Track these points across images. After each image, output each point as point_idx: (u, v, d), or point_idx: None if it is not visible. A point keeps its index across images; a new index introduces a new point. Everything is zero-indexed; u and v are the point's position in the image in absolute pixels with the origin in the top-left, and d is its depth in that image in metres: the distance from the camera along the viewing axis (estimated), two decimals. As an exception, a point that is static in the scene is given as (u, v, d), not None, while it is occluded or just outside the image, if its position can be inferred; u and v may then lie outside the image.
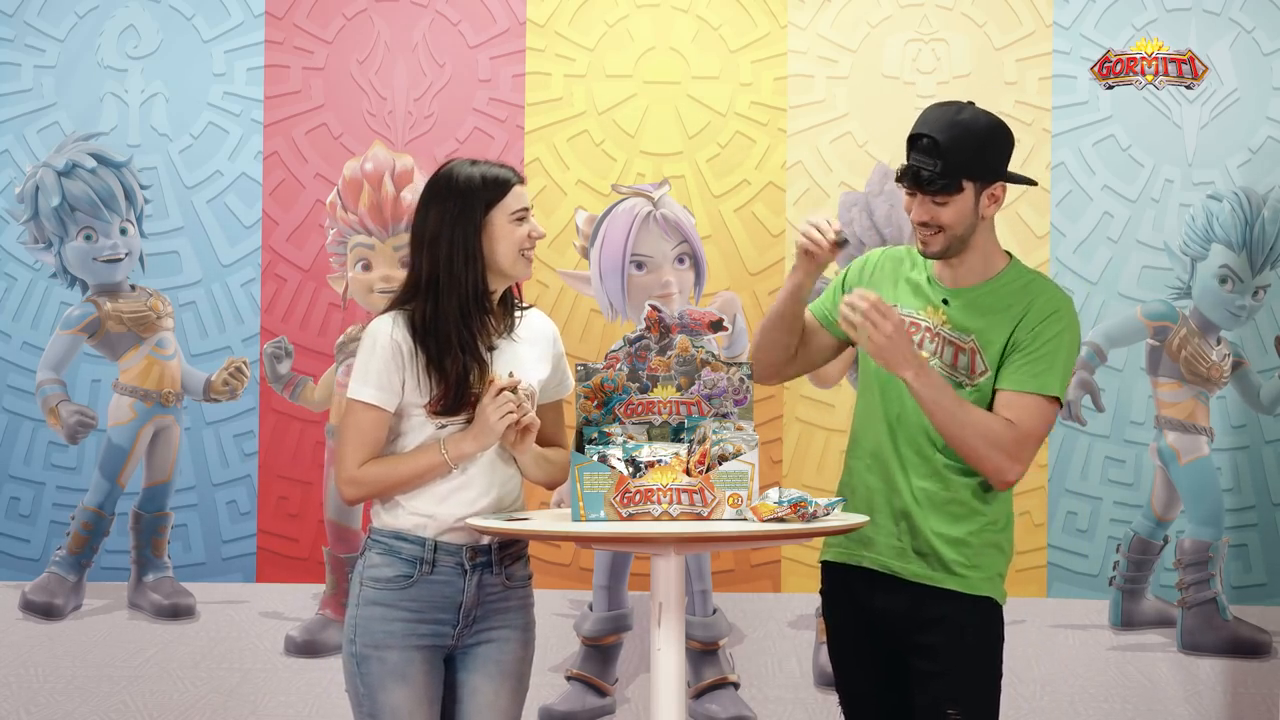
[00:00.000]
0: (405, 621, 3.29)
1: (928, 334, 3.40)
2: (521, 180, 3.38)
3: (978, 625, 3.39)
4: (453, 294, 3.29)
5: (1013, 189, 4.83)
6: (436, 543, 3.30)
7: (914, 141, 3.34)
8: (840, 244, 3.37)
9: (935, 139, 3.30)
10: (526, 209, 3.36)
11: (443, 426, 3.31)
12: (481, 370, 3.30)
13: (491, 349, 3.34)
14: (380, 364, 3.28)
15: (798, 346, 3.53)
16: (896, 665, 3.42)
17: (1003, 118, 3.43)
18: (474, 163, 3.37)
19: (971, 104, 3.40)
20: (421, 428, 3.32)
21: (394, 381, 3.29)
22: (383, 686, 3.28)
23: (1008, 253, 3.46)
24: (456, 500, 3.32)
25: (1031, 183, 3.53)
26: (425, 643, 3.31)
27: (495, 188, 3.33)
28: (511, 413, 3.27)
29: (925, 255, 3.40)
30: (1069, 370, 3.36)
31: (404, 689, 3.28)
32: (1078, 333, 3.40)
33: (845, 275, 3.55)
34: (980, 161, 3.33)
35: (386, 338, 3.29)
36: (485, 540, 3.32)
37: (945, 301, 3.40)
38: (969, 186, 3.32)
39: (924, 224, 3.35)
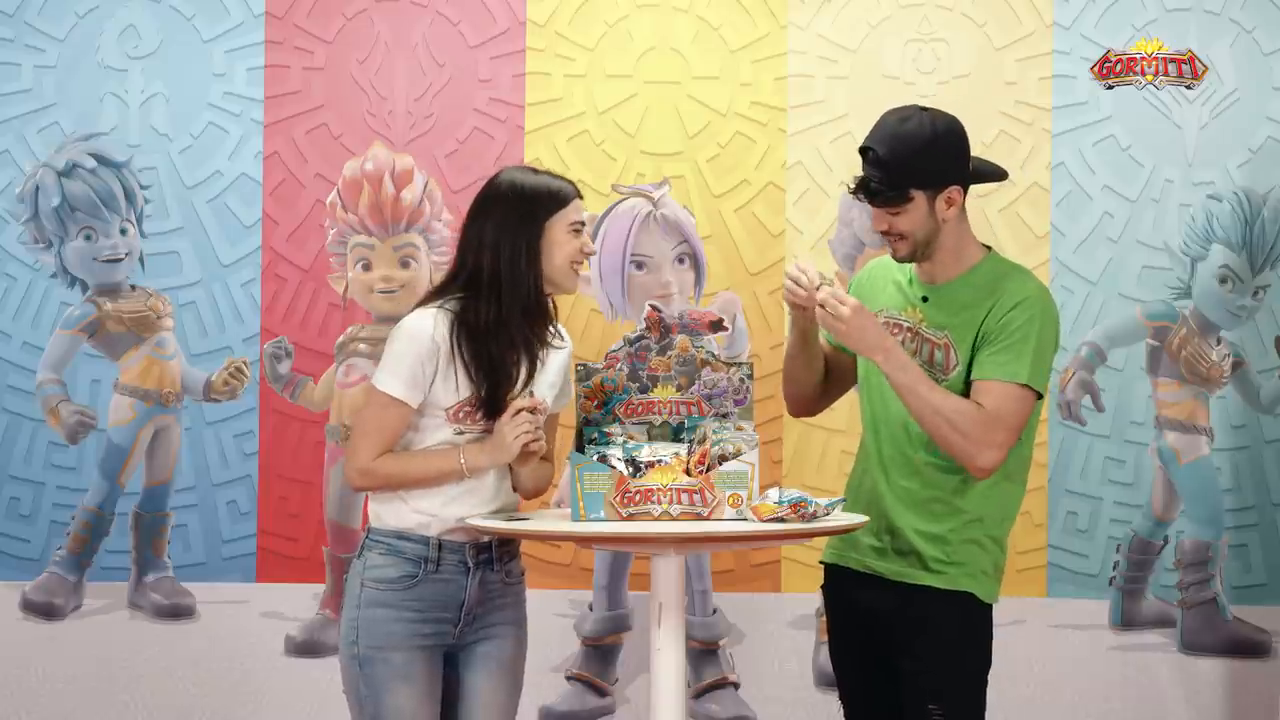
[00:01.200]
0: (409, 622, 3.28)
1: (909, 334, 3.40)
2: (579, 194, 3.39)
3: (959, 622, 3.37)
4: (516, 295, 3.28)
5: (1015, 188, 4.91)
6: (440, 541, 3.30)
7: (863, 154, 3.35)
8: None
9: (877, 152, 3.31)
10: (583, 222, 3.37)
11: (460, 433, 3.31)
12: (530, 372, 3.31)
13: (547, 348, 3.35)
14: (415, 361, 3.26)
15: (824, 374, 3.53)
16: (888, 664, 3.42)
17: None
18: (536, 171, 3.39)
19: (918, 109, 3.37)
20: (436, 429, 3.31)
21: (425, 381, 3.27)
22: (387, 688, 3.27)
23: (986, 246, 3.44)
24: (464, 503, 3.31)
25: (1001, 175, 3.51)
26: (428, 642, 3.30)
27: (558, 197, 3.34)
28: (528, 433, 3.28)
29: (895, 260, 3.41)
30: (1042, 358, 3.32)
31: (408, 689, 3.27)
32: (1051, 321, 3.35)
33: (849, 291, 3.53)
34: (925, 170, 3.31)
35: (427, 336, 3.26)
36: (486, 537, 3.32)
37: (924, 299, 3.41)
38: (918, 195, 3.31)
39: (885, 232, 3.37)
